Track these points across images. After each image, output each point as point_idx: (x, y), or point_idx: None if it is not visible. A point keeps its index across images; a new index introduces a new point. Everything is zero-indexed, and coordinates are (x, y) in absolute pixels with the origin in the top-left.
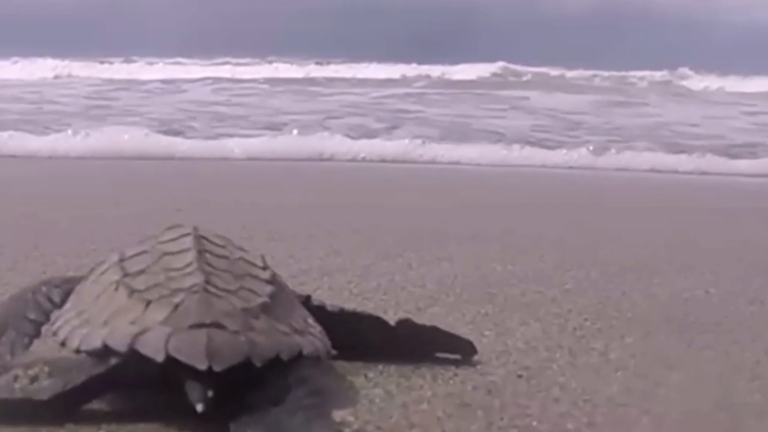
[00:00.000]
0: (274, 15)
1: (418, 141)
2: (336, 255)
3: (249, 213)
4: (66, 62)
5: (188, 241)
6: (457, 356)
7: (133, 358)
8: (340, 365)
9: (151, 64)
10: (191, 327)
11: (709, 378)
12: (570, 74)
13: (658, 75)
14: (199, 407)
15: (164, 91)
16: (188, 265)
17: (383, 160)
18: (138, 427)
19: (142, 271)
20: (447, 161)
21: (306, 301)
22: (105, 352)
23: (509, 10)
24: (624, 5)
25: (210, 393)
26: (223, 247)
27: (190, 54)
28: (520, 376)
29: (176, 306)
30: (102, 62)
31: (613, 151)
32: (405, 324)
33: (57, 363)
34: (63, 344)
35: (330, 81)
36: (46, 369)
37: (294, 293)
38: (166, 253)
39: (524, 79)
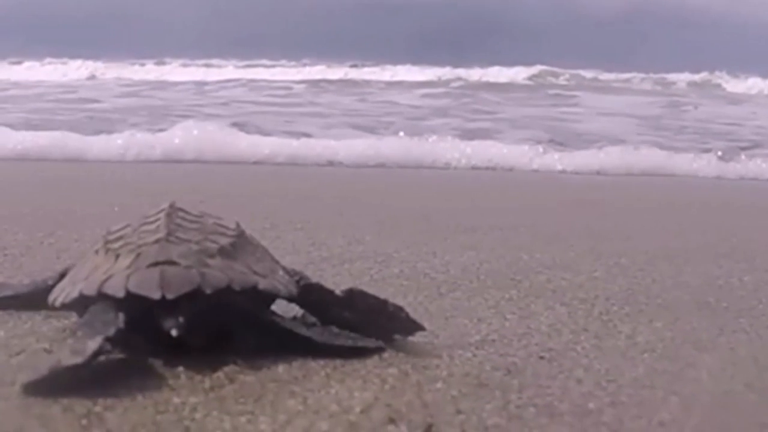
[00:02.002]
0: (289, 18)
1: (538, 147)
2: (358, 243)
3: (279, 205)
4: (98, 64)
5: (163, 210)
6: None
7: (105, 301)
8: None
9: (186, 65)
10: (148, 266)
11: (741, 360)
12: (604, 77)
13: (697, 77)
14: (173, 332)
15: (203, 92)
16: (158, 226)
17: (494, 168)
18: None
19: (120, 238)
20: (572, 170)
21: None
22: (81, 300)
23: (532, 13)
24: (645, 9)
25: (181, 319)
26: (198, 216)
27: (215, 56)
28: (542, 358)
29: (139, 254)
30: (132, 64)
31: (743, 157)
32: (352, 292)
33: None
34: (53, 305)
35: (368, 83)
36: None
37: (271, 256)
38: (144, 223)
39: (561, 81)
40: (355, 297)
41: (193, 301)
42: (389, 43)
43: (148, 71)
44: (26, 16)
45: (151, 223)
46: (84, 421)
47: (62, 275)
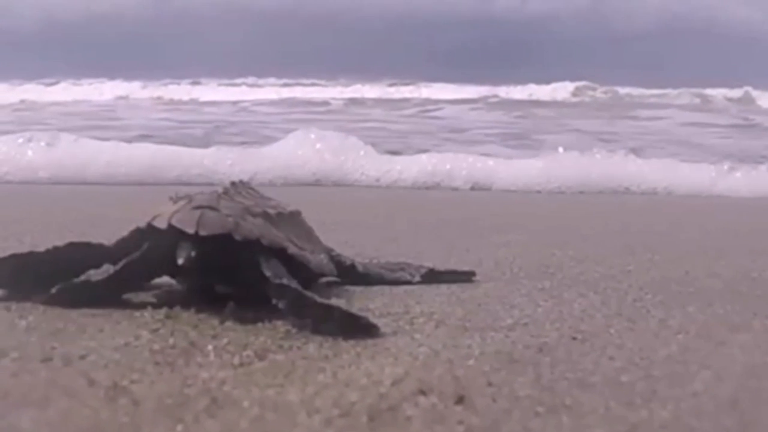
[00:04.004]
0: (318, 39)
1: (722, 164)
2: (391, 242)
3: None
4: (135, 84)
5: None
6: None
7: (151, 235)
8: (385, 324)
9: (227, 85)
10: (193, 208)
11: None
12: (637, 92)
13: (731, 92)
14: (180, 260)
15: (254, 110)
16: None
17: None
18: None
19: (187, 195)
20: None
21: (342, 262)
22: (137, 233)
23: (562, 30)
24: (669, 26)
25: (193, 253)
26: (258, 194)
27: (250, 75)
28: (574, 339)
29: (190, 200)
30: (167, 84)
31: None
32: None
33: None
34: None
35: (409, 100)
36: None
37: (319, 240)
38: (213, 191)
39: (599, 94)
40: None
41: (219, 246)
42: (419, 62)
43: (188, 91)
44: (55, 37)
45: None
46: (110, 393)
47: None
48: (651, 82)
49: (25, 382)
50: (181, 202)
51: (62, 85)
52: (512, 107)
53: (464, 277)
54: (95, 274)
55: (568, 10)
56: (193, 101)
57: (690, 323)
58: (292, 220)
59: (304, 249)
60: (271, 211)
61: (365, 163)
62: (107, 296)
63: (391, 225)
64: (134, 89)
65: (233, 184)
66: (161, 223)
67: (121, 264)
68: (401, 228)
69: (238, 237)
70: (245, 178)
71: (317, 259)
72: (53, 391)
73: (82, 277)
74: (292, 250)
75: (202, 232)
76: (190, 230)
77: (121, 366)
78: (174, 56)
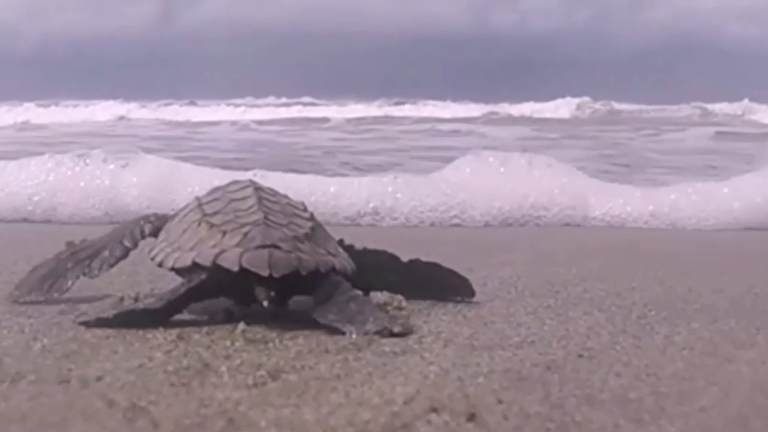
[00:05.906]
0: (309, 59)
1: None
2: None
3: None
4: (132, 104)
5: (249, 191)
6: (458, 296)
7: (215, 271)
8: (395, 343)
9: (238, 105)
10: (257, 247)
11: None
12: (633, 107)
13: (731, 107)
14: (265, 303)
15: (281, 132)
16: (251, 207)
17: None
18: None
19: (217, 212)
20: None
21: (340, 242)
22: (194, 268)
23: (559, 48)
24: (660, 45)
25: (272, 294)
26: (273, 195)
27: (247, 95)
28: (581, 356)
29: (245, 234)
30: (167, 105)
31: None
32: (414, 261)
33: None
34: (160, 265)
35: (410, 118)
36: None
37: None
38: (233, 200)
39: (600, 111)
40: (417, 264)
41: (285, 280)
42: (415, 81)
43: (186, 112)
44: (47, 59)
45: (240, 200)
46: (129, 414)
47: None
48: (647, 98)
49: (43, 405)
50: (235, 236)
51: (58, 107)
52: (526, 123)
53: (461, 284)
54: (152, 302)
55: (565, 30)
56: (199, 122)
57: (696, 340)
58: (315, 224)
59: (336, 255)
60: (308, 226)
61: (587, 192)
62: (159, 321)
63: None
64: (132, 110)
65: (259, 199)
66: (232, 265)
67: (180, 292)
68: None
69: (304, 272)
70: (441, 216)
71: (351, 264)
72: (72, 413)
73: (140, 305)
74: (339, 266)
75: (276, 274)
76: (265, 273)
77: (138, 387)
78: (168, 77)
